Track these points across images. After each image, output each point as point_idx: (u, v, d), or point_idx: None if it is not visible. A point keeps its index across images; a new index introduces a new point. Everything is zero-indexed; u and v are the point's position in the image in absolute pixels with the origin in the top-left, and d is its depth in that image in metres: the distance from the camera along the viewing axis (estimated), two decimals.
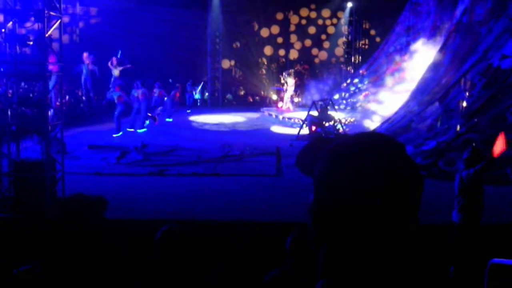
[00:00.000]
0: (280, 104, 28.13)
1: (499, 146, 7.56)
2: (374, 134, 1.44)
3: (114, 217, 9.10)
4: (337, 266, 1.39)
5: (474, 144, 12.21)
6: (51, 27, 10.27)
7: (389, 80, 24.18)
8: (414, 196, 1.37)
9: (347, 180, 1.32)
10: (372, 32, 31.97)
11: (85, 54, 23.16)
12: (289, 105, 27.39)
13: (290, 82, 27.39)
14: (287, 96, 27.60)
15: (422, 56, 21.99)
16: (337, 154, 1.39)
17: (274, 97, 29.95)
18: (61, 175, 10.61)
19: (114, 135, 19.13)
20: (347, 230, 1.34)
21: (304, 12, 32.99)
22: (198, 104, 28.74)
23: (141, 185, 12.62)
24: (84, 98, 23.95)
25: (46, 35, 10.04)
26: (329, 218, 1.37)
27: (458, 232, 7.71)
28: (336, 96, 26.73)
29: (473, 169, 7.50)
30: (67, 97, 21.93)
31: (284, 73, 28.41)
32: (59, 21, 10.44)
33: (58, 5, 10.34)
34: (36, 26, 10.15)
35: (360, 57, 32.02)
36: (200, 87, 29.37)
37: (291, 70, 28.53)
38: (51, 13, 10.22)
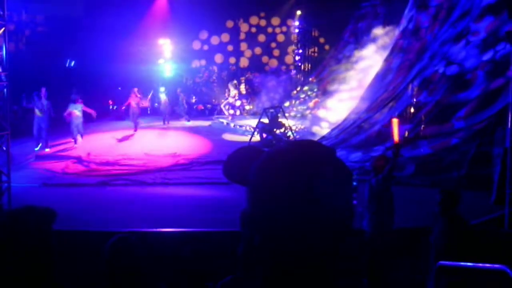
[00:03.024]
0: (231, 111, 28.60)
1: (395, 132, 7.83)
2: (304, 141, 1.46)
3: (61, 228, 8.91)
4: (276, 277, 1.38)
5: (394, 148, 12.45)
6: None
7: (338, 87, 24.43)
8: (346, 197, 1.39)
9: (281, 188, 1.33)
10: (322, 40, 32.32)
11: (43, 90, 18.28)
12: (226, 112, 28.74)
13: (231, 93, 29.21)
14: (224, 104, 29.16)
15: (370, 63, 22.33)
16: (270, 163, 1.39)
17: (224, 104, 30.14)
18: (7, 186, 10.37)
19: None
20: (284, 239, 1.34)
21: (254, 20, 33.17)
22: (149, 112, 28.37)
23: (89, 195, 12.42)
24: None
25: None
26: (265, 226, 1.37)
27: (370, 239, 7.72)
28: (287, 104, 27.01)
29: (381, 174, 7.64)
30: None
31: (231, 82, 29.91)
32: (3, 28, 10.24)
33: (1, 13, 10.14)
34: None
35: (309, 65, 32.37)
36: (150, 96, 28.87)
37: (235, 82, 29.97)
38: None
